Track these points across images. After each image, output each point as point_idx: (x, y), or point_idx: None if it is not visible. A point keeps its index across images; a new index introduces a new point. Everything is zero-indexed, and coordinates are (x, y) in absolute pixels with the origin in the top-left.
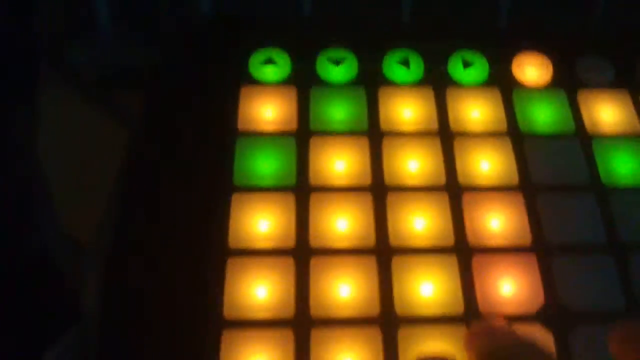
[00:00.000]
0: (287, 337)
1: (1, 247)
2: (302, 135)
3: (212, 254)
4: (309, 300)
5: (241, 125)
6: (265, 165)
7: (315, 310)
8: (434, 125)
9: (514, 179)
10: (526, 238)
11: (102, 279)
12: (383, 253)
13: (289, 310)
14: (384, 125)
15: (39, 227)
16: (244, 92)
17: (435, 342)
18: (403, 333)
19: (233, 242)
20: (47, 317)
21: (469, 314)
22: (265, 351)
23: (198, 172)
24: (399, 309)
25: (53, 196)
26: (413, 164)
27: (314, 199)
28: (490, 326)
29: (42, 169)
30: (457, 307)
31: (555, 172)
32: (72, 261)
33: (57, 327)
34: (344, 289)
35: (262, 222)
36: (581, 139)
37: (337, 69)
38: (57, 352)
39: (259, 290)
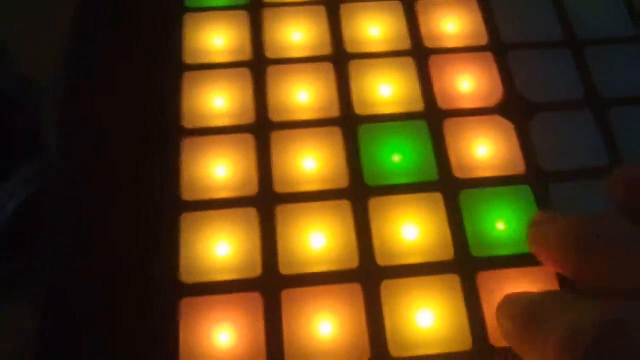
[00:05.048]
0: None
1: None
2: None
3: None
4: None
5: None
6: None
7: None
8: None
9: None
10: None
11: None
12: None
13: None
14: None
15: None
16: None
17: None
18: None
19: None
20: (8, 149)
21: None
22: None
23: None
24: (358, 109)
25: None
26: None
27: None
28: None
29: None
30: (417, 105)
31: None
32: (29, 100)
33: (17, 158)
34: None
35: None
36: None
37: None
38: (18, 179)
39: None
